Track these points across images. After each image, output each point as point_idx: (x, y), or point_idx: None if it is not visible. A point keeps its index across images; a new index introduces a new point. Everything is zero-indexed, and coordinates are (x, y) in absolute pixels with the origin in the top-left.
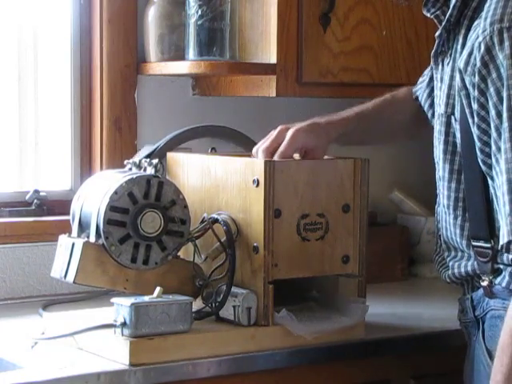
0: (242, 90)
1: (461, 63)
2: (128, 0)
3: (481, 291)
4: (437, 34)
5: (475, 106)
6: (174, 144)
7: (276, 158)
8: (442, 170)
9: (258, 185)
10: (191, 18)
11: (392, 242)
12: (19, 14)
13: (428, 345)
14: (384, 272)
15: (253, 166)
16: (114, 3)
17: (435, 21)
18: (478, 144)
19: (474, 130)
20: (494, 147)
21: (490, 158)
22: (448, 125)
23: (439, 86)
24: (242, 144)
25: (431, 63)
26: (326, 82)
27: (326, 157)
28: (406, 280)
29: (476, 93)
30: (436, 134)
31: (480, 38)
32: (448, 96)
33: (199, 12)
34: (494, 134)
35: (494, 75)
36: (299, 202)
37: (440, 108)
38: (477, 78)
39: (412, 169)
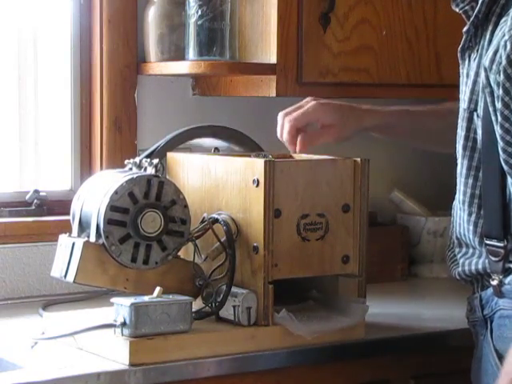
0: (242, 90)
1: (486, 61)
2: (128, 0)
3: (490, 290)
4: (464, 29)
5: (499, 105)
6: (174, 144)
7: (286, 122)
8: (460, 166)
9: (258, 185)
10: (191, 18)
11: (392, 242)
12: (19, 14)
13: (428, 345)
14: (384, 272)
15: (253, 165)
16: (113, 3)
17: (463, 16)
18: (500, 143)
19: (497, 129)
20: None
21: None
22: (470, 120)
23: (464, 82)
24: (242, 144)
25: (458, 59)
26: (326, 82)
27: (326, 157)
28: (406, 280)
29: (500, 91)
30: (458, 129)
31: (506, 37)
32: (472, 92)
33: (199, 12)
34: None
35: None
36: (299, 202)
37: (464, 103)
38: (502, 76)
39: (412, 169)
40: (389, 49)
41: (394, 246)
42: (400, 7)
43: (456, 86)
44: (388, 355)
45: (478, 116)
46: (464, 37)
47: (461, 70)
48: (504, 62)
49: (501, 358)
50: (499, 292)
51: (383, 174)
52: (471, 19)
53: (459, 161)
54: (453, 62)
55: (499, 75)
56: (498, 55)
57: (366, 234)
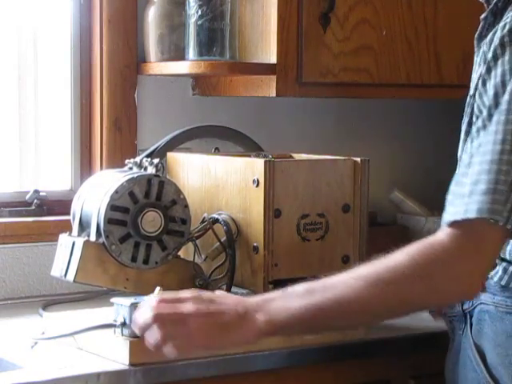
0: (242, 90)
1: (485, 43)
2: (128, 0)
3: None
4: (482, 16)
5: (479, 84)
6: (174, 144)
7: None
8: (460, 150)
9: (258, 185)
10: (191, 18)
11: (392, 242)
12: (19, 14)
13: (428, 345)
14: None
15: (253, 165)
16: (113, 3)
17: (485, 5)
18: (473, 119)
19: (474, 108)
20: (480, 124)
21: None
22: (473, 107)
23: (476, 69)
24: (242, 144)
25: (474, 46)
26: (326, 82)
27: (326, 157)
28: None
29: (484, 69)
30: (464, 114)
31: (508, 19)
32: (479, 77)
33: (199, 12)
34: (484, 112)
35: (507, 57)
36: (299, 202)
37: (471, 90)
38: (490, 55)
39: (412, 169)
40: (389, 49)
41: (394, 246)
42: (400, 7)
43: (456, 86)
44: (388, 355)
45: (481, 96)
46: (481, 24)
47: (475, 58)
48: (497, 41)
49: (480, 352)
50: None
51: (383, 174)
52: (490, 7)
53: (460, 145)
54: (453, 62)
55: (490, 54)
56: (496, 36)
57: (365, 234)
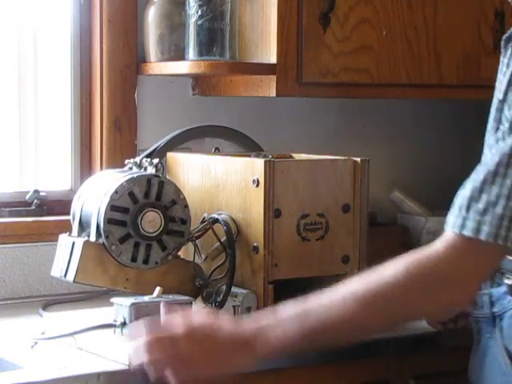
0: (242, 90)
1: None
2: (128, 0)
3: (503, 288)
4: None
5: (510, 92)
6: (174, 144)
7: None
8: (486, 157)
9: (258, 185)
10: (191, 18)
11: (392, 241)
12: (19, 14)
13: (428, 345)
14: None
15: (253, 165)
16: (113, 3)
17: None
18: (504, 123)
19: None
20: (500, 135)
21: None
22: (501, 111)
23: (504, 71)
24: (242, 144)
25: (501, 47)
26: (326, 82)
27: (325, 157)
28: None
29: None
30: (490, 119)
31: None
32: (509, 82)
33: (199, 12)
34: (507, 125)
35: None
36: (299, 202)
37: (500, 94)
38: None
39: (412, 169)
40: (389, 49)
41: (394, 246)
42: (400, 7)
43: (455, 86)
44: (388, 355)
45: (509, 108)
46: None
47: (501, 59)
48: None
49: (511, 357)
50: None
51: (383, 174)
52: None
53: (487, 150)
54: (453, 62)
55: None
56: None
57: (365, 234)
